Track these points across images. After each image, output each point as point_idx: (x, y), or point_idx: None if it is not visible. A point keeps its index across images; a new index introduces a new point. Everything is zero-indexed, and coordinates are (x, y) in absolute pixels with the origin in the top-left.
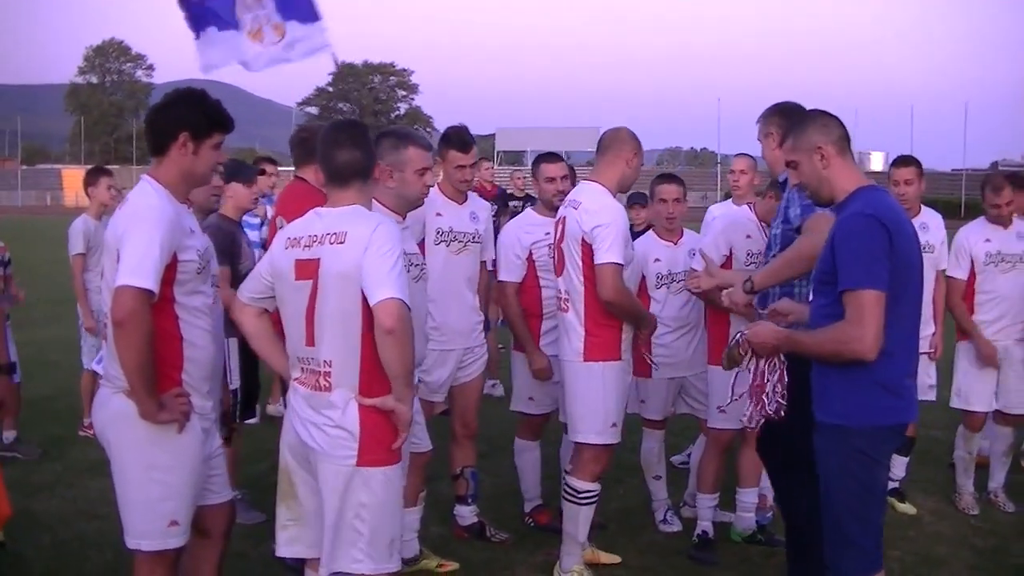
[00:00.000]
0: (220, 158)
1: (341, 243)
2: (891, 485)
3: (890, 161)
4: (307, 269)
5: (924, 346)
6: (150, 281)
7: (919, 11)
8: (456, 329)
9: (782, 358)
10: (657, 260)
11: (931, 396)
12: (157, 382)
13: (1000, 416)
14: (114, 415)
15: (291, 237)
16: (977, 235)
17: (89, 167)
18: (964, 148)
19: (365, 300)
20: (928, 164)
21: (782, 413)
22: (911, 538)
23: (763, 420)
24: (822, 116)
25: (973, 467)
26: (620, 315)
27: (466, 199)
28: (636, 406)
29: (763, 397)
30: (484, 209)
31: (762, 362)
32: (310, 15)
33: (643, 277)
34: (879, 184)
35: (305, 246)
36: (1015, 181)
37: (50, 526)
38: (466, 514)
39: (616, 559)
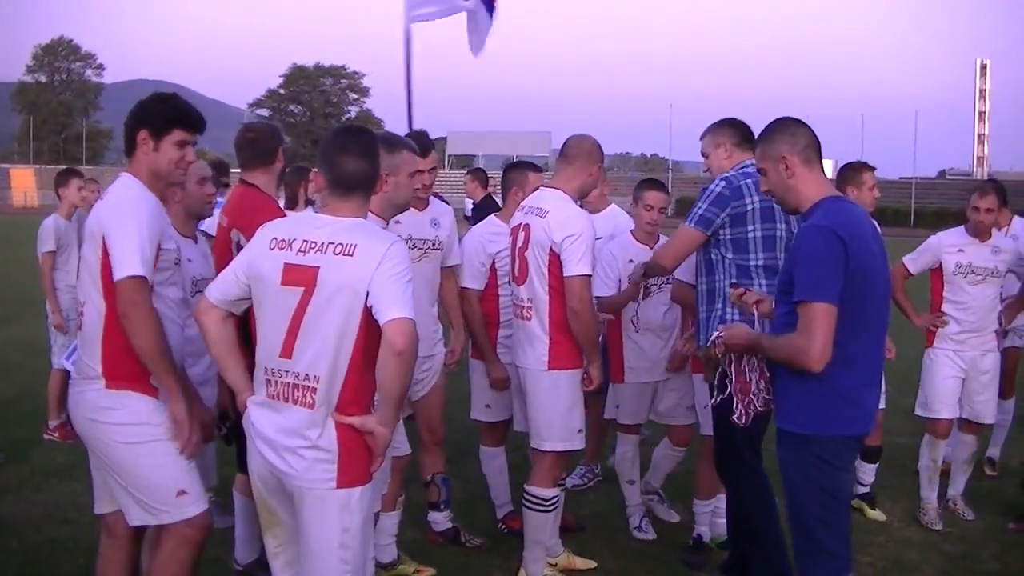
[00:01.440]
0: (188, 156)
1: (348, 255)
2: (861, 491)
3: (839, 168)
4: (300, 275)
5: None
6: (144, 268)
7: (870, 21)
8: (422, 338)
9: (759, 356)
10: (631, 261)
11: (881, 403)
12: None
13: (965, 424)
14: (91, 408)
15: (279, 238)
16: (952, 243)
17: (39, 166)
18: (914, 157)
19: (364, 316)
20: (877, 172)
21: (771, 407)
22: (881, 544)
23: (752, 417)
24: (791, 125)
25: (937, 477)
26: (579, 328)
27: (427, 205)
28: (611, 411)
29: (750, 395)
30: (446, 215)
31: (743, 361)
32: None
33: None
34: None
35: (299, 251)
36: (1001, 192)
37: (19, 530)
38: (440, 520)
39: (591, 564)
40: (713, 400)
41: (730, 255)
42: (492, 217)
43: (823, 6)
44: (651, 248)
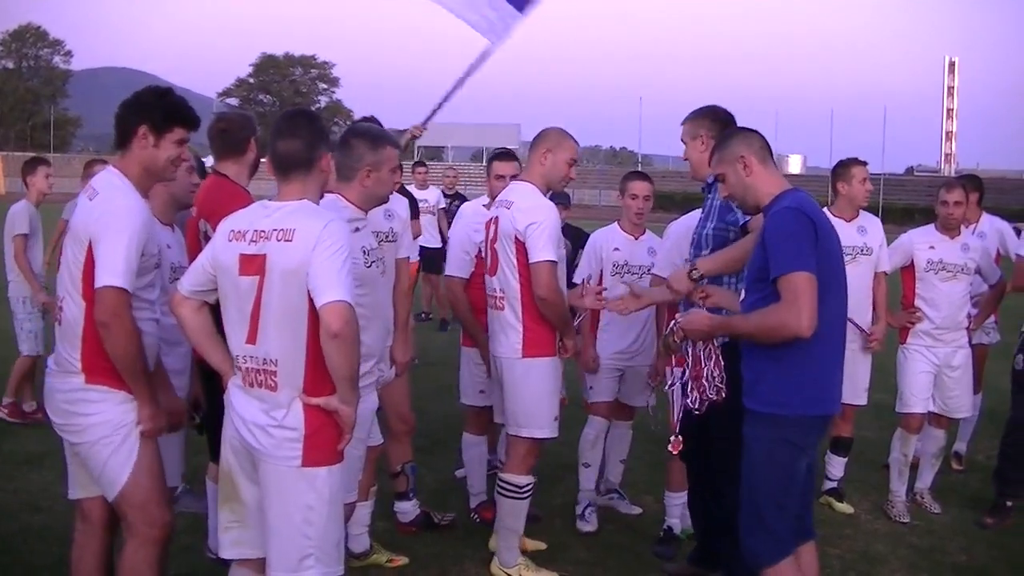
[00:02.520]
0: (183, 155)
1: (289, 240)
2: (829, 485)
3: (807, 164)
4: (253, 264)
5: (859, 343)
6: (127, 281)
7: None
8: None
9: (716, 343)
10: (616, 249)
11: (863, 400)
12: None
13: (935, 418)
14: (68, 399)
15: (235, 230)
16: (923, 240)
17: (5, 153)
18: (883, 153)
19: (311, 299)
20: None
21: (723, 395)
22: (849, 536)
23: (707, 404)
24: (743, 129)
25: (908, 471)
26: (549, 312)
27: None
28: (587, 392)
29: (703, 381)
30: (400, 205)
31: (698, 348)
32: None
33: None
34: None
35: (251, 240)
36: (968, 185)
37: None
38: (408, 509)
39: (541, 546)
40: (669, 385)
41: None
42: (479, 206)
43: (793, 2)
44: (636, 239)
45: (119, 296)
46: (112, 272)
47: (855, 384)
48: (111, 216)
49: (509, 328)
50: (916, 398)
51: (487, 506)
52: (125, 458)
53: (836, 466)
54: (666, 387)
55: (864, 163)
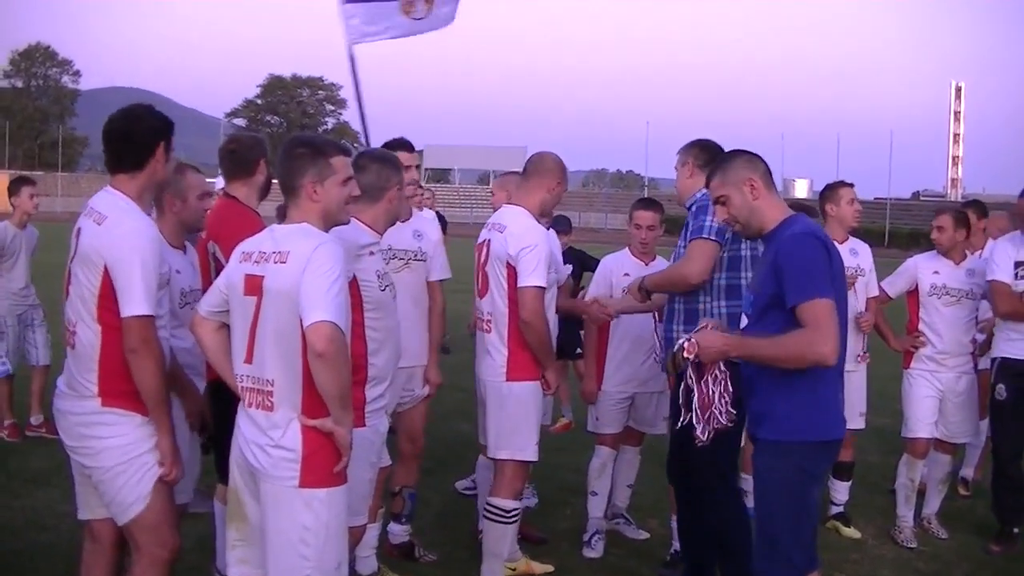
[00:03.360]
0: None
1: (283, 262)
2: (835, 510)
3: (813, 188)
4: (253, 285)
5: (851, 364)
6: (151, 307)
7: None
8: (402, 347)
9: (723, 367)
10: (627, 274)
11: (861, 424)
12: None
13: (940, 443)
14: (82, 422)
15: (245, 251)
16: (927, 265)
17: (13, 172)
18: (889, 177)
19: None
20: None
21: (734, 421)
22: (855, 561)
23: (714, 433)
24: (746, 153)
25: (915, 496)
26: (532, 338)
27: (410, 216)
28: (592, 424)
29: (712, 410)
30: (431, 227)
31: (706, 375)
32: None
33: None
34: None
35: (255, 262)
36: (975, 211)
37: None
38: (398, 532)
39: (549, 568)
40: (683, 420)
41: (723, 274)
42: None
43: (800, 27)
44: (647, 264)
45: (147, 323)
46: (135, 301)
47: (852, 408)
48: (124, 241)
49: (495, 351)
50: (921, 423)
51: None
52: (138, 482)
53: (840, 491)
54: (679, 425)
55: (851, 184)
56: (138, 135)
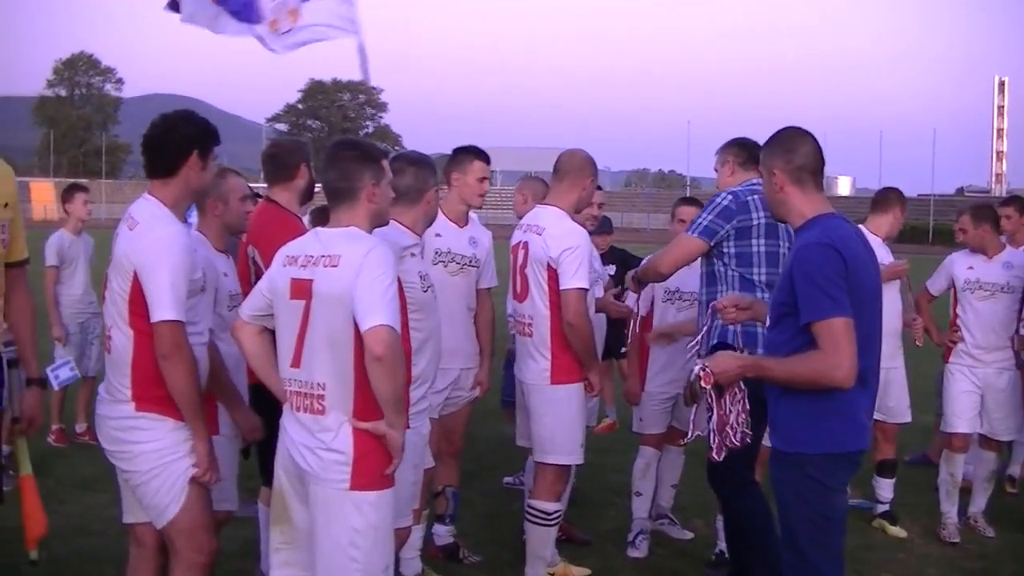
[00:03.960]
0: (217, 167)
1: (335, 266)
2: (881, 508)
3: (856, 186)
4: (301, 289)
5: (890, 361)
6: (181, 313)
7: (889, 38)
8: (453, 349)
9: (742, 386)
10: None
11: (904, 418)
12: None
13: (984, 441)
14: (119, 426)
15: (289, 255)
16: (962, 261)
17: (58, 180)
18: (932, 174)
19: (356, 324)
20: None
21: (748, 441)
22: (901, 560)
23: (728, 452)
24: (791, 140)
25: (957, 492)
26: (575, 340)
27: (467, 223)
28: (636, 424)
29: (727, 429)
30: (484, 235)
31: (725, 396)
32: None
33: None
34: (839, 211)
35: (301, 265)
36: (975, 213)
37: (46, 542)
38: (443, 533)
39: (586, 572)
40: (692, 436)
41: (734, 267)
42: None
43: (842, 24)
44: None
45: (175, 328)
46: (164, 306)
47: (893, 403)
48: (153, 247)
49: (537, 354)
50: (959, 418)
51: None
52: (173, 486)
53: (885, 488)
54: (689, 439)
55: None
56: (170, 142)
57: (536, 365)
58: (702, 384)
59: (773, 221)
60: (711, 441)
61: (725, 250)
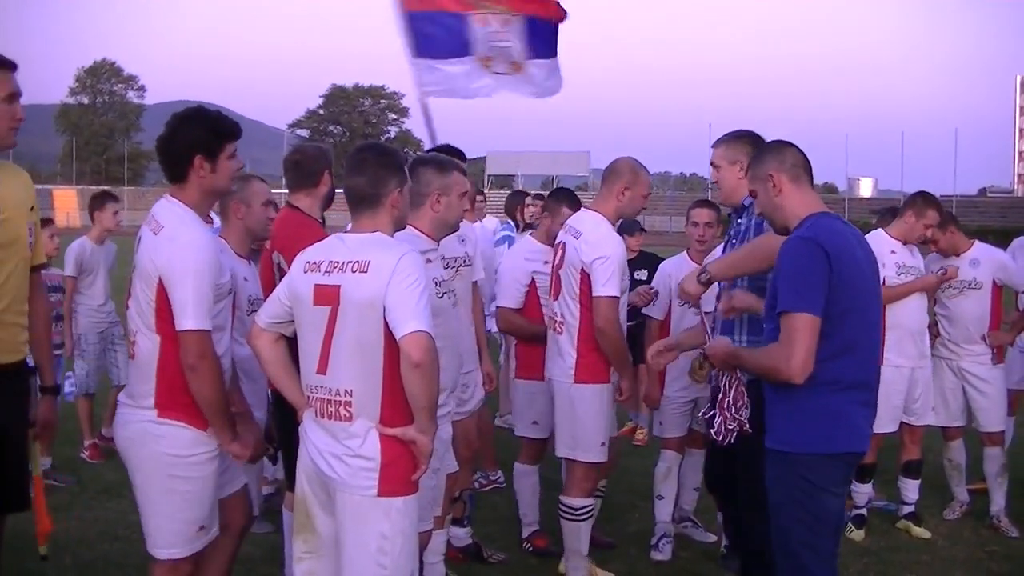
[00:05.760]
0: (238, 164)
1: (364, 272)
2: (906, 509)
3: (878, 187)
4: (327, 295)
5: (916, 360)
6: (206, 320)
7: (909, 38)
8: (469, 353)
9: (739, 374)
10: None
11: (927, 420)
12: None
13: (986, 436)
14: (134, 433)
15: (310, 261)
16: (935, 263)
17: (81, 187)
18: (954, 174)
19: (386, 330)
20: (919, 189)
21: (746, 429)
22: (926, 563)
23: (734, 434)
24: (778, 145)
25: (958, 475)
26: (607, 346)
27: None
28: (657, 428)
29: (724, 412)
30: (470, 231)
31: (724, 378)
32: (551, 51)
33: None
34: (838, 211)
35: (326, 271)
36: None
37: (71, 547)
38: (462, 535)
39: (610, 575)
40: (702, 413)
41: (745, 279)
42: (528, 237)
43: (861, 25)
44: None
45: (203, 337)
46: (189, 315)
47: (919, 404)
48: (178, 254)
49: (564, 353)
50: (937, 408)
51: (540, 535)
52: (173, 496)
53: (910, 489)
54: (700, 414)
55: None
56: (174, 149)
57: (563, 363)
58: (699, 365)
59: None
60: (714, 421)
61: None
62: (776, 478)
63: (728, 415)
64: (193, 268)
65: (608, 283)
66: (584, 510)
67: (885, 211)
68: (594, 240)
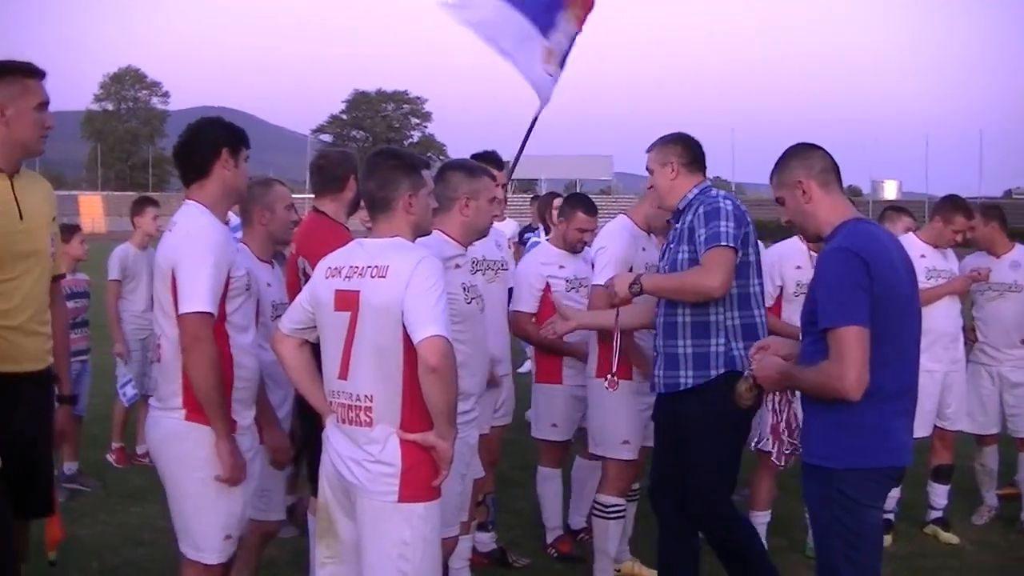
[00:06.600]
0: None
1: (382, 277)
2: (934, 514)
3: (903, 189)
4: (347, 300)
5: (946, 364)
6: (209, 304)
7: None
8: (499, 358)
9: (790, 395)
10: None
11: (960, 425)
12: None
13: (1019, 442)
14: (165, 435)
15: (331, 267)
16: (975, 263)
17: (106, 193)
18: (980, 176)
19: (405, 335)
20: (944, 192)
21: (799, 452)
22: (955, 568)
23: (791, 457)
24: (804, 149)
25: (988, 480)
26: (606, 338)
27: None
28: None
29: (781, 436)
30: (503, 236)
31: (775, 399)
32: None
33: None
34: (866, 216)
35: (346, 276)
36: (985, 210)
37: (97, 552)
38: (486, 540)
39: (654, 572)
40: (755, 440)
41: (734, 282)
42: (544, 243)
43: (885, 28)
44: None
45: (201, 320)
46: (192, 297)
47: (951, 409)
48: (188, 240)
49: (591, 350)
50: (975, 414)
51: (563, 539)
52: (213, 498)
53: (939, 495)
54: (753, 444)
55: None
56: (200, 144)
57: (591, 360)
58: (747, 386)
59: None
60: (771, 446)
61: None
62: (815, 494)
63: (784, 440)
64: (200, 252)
65: (602, 273)
66: (613, 509)
67: (887, 210)
68: (601, 233)
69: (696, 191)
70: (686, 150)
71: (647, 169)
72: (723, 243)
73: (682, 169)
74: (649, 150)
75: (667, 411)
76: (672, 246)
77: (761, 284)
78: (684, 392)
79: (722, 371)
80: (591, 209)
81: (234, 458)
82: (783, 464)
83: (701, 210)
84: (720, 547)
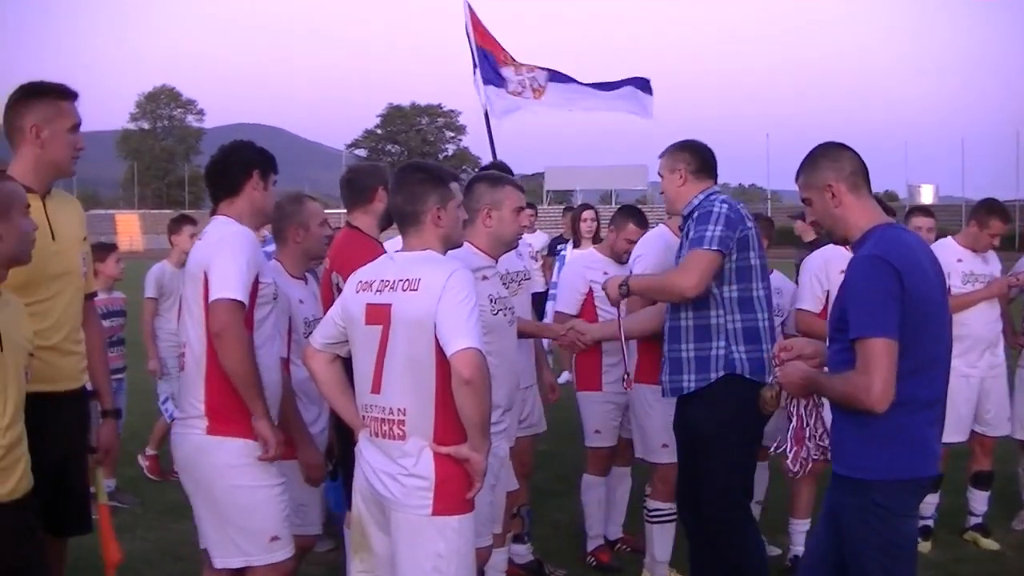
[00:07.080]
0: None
1: (414, 290)
2: (974, 521)
3: (939, 193)
4: (378, 314)
5: (984, 370)
6: (241, 293)
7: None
8: (526, 369)
9: (817, 400)
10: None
11: (1006, 430)
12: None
13: None
14: (190, 452)
15: (362, 280)
16: (1020, 269)
17: (143, 211)
18: (1016, 178)
19: (438, 348)
20: (981, 195)
21: (828, 456)
22: (995, 574)
23: (810, 465)
24: (834, 150)
25: None
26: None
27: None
28: None
29: (806, 443)
30: (526, 247)
31: (800, 405)
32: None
33: None
34: (899, 222)
35: (377, 290)
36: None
37: (135, 568)
38: (522, 552)
39: None
40: (776, 445)
41: (734, 286)
42: (592, 249)
43: (918, 31)
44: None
45: (234, 307)
46: (224, 286)
47: (991, 414)
48: (221, 242)
49: (629, 354)
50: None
51: (604, 549)
52: (254, 502)
53: (979, 501)
54: (775, 450)
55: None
56: (233, 163)
57: (628, 364)
58: (773, 393)
59: (755, 232)
60: (787, 450)
61: (726, 265)
62: (845, 505)
63: (811, 445)
64: (230, 249)
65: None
66: (656, 512)
67: (913, 210)
68: (640, 242)
69: (701, 196)
70: (694, 157)
71: (658, 174)
72: (704, 247)
73: (690, 176)
74: (660, 156)
75: (678, 416)
76: (681, 251)
77: (767, 288)
78: (689, 396)
79: (721, 374)
80: (642, 221)
81: (275, 434)
82: (797, 470)
83: (696, 214)
84: (721, 554)
